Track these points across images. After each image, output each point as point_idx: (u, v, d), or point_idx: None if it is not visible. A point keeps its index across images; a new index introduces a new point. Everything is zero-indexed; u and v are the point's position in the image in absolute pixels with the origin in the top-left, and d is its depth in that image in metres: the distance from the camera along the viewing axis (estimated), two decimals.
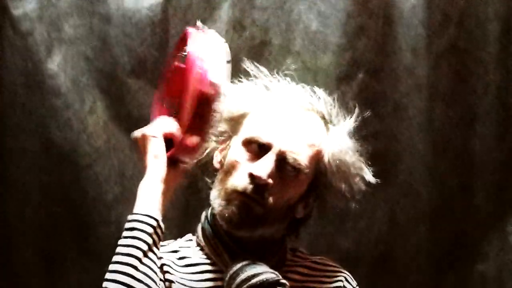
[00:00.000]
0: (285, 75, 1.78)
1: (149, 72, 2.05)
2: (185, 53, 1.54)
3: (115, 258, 1.46)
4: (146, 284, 1.44)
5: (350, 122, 1.76)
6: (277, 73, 1.78)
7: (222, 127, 1.70)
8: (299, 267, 1.74)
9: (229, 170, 1.64)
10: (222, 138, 1.73)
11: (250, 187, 1.59)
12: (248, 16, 2.10)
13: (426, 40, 2.18)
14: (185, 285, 1.62)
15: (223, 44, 1.55)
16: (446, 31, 2.20)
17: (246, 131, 1.67)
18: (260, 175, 1.58)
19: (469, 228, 2.24)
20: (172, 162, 1.54)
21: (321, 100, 1.74)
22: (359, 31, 2.14)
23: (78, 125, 2.02)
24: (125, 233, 1.47)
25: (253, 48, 2.10)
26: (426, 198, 2.20)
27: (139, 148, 1.56)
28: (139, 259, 1.44)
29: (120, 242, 1.47)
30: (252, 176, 1.59)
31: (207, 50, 1.51)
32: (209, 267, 1.67)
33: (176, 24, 2.06)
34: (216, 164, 1.73)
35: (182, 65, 1.54)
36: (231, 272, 1.60)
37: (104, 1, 2.05)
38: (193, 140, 1.50)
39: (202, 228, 1.71)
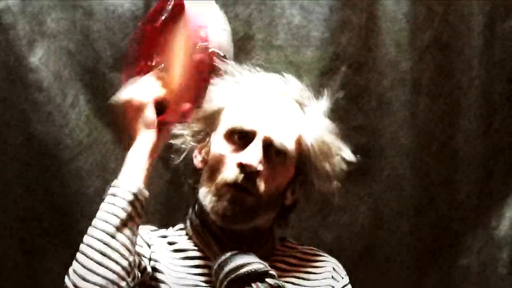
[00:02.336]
0: (255, 64, 1.75)
1: None
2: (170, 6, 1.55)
3: (94, 222, 1.44)
4: (120, 253, 1.43)
5: (323, 102, 1.74)
6: (246, 63, 1.75)
7: (198, 126, 1.68)
8: (287, 257, 1.74)
9: (216, 165, 1.62)
10: (200, 137, 1.71)
11: (241, 176, 1.57)
12: (231, 10, 2.10)
13: (410, 35, 2.19)
14: (172, 270, 1.62)
15: (220, 11, 1.53)
16: (430, 26, 2.20)
17: (226, 124, 1.65)
18: (251, 163, 1.56)
19: (452, 222, 2.25)
20: (160, 125, 1.52)
21: (292, 84, 1.72)
22: (342, 26, 2.14)
23: (60, 119, 2.02)
24: (106, 199, 1.46)
25: (236, 43, 2.08)
26: (409, 192, 2.21)
27: (123, 112, 1.52)
28: (117, 227, 1.43)
29: (101, 207, 1.45)
30: (241, 166, 1.57)
31: (207, 16, 1.48)
32: (197, 254, 1.66)
33: None
34: (198, 164, 1.71)
35: (174, 24, 1.54)
36: (219, 261, 1.59)
37: None
38: (186, 105, 1.47)
39: (190, 219, 1.70)
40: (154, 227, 1.71)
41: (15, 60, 2.00)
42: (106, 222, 1.44)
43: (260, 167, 1.58)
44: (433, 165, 2.22)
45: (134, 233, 1.46)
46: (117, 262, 1.42)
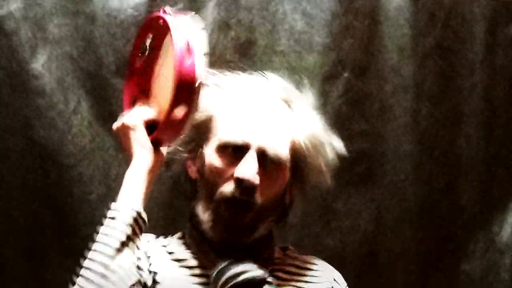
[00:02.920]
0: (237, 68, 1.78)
1: None
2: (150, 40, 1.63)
3: (94, 246, 1.48)
4: (120, 276, 1.44)
5: (309, 96, 1.74)
6: (229, 68, 1.76)
7: (188, 136, 1.67)
8: (287, 265, 1.73)
9: (212, 179, 1.62)
10: (190, 147, 1.71)
11: (238, 191, 1.57)
12: (233, 16, 2.10)
13: (412, 40, 2.19)
14: (172, 280, 1.62)
15: (200, 30, 1.55)
16: (432, 31, 2.20)
17: (218, 137, 1.64)
18: (248, 178, 1.56)
19: (455, 228, 2.25)
20: (155, 145, 1.57)
21: (276, 83, 1.72)
22: (344, 31, 2.14)
23: (63, 125, 2.01)
24: (105, 222, 1.50)
25: (238, 48, 2.10)
26: (412, 198, 2.21)
27: (120, 139, 1.59)
28: (117, 249, 1.45)
29: (100, 231, 1.49)
30: (238, 180, 1.57)
31: (191, 37, 1.51)
32: (196, 262, 1.66)
33: None
34: (193, 174, 1.71)
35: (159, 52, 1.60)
36: (217, 269, 1.58)
37: (89, 1, 2.04)
38: (176, 117, 1.50)
39: (188, 229, 1.70)
40: (154, 236, 1.71)
41: (17, 66, 1.99)
42: (106, 245, 1.47)
43: (257, 181, 1.57)
44: (435, 171, 2.22)
45: (134, 254, 1.49)
46: (117, 286, 1.44)
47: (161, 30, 1.61)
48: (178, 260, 1.66)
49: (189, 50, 1.49)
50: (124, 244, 1.47)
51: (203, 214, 1.63)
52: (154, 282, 1.60)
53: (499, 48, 2.24)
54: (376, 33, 2.17)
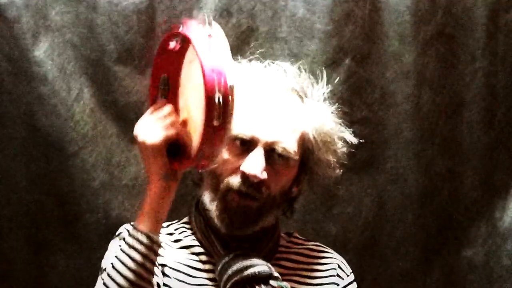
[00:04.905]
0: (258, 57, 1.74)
1: (136, 59, 2.05)
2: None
3: (111, 272, 1.46)
4: None
5: (321, 87, 1.73)
6: (249, 56, 1.74)
7: None
8: (292, 254, 1.73)
9: (218, 169, 1.60)
10: None
11: (245, 186, 1.57)
12: (234, 3, 2.10)
13: (413, 27, 2.19)
14: (177, 269, 1.63)
15: (227, 43, 1.42)
16: (433, 18, 2.20)
17: None
18: (254, 173, 1.55)
19: (456, 214, 2.25)
20: (174, 170, 1.48)
21: (288, 73, 1.69)
22: (346, 18, 2.14)
23: (65, 112, 2.02)
24: (123, 247, 1.47)
25: (239, 35, 2.10)
26: (413, 184, 2.21)
27: (138, 148, 1.50)
28: (132, 282, 1.44)
29: (118, 255, 1.47)
30: (245, 175, 1.56)
31: (220, 55, 1.39)
32: (202, 250, 1.66)
33: (163, 11, 2.06)
34: None
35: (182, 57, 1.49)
36: (222, 262, 1.59)
37: None
38: (207, 152, 1.41)
39: (194, 217, 1.70)
40: None
41: (19, 54, 2.00)
42: (122, 275, 1.44)
43: (264, 176, 1.57)
44: (437, 157, 2.23)
45: (150, 282, 1.47)
46: None
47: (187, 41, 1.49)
48: (186, 247, 1.67)
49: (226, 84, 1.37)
50: (139, 275, 1.45)
51: (210, 203, 1.62)
52: (163, 274, 1.61)
53: (500, 34, 2.23)
54: (377, 20, 2.17)
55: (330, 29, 2.13)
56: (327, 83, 1.84)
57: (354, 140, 1.73)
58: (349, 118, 1.81)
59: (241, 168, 1.56)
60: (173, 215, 1.81)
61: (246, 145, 1.58)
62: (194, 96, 1.43)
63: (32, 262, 2.03)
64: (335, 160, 1.68)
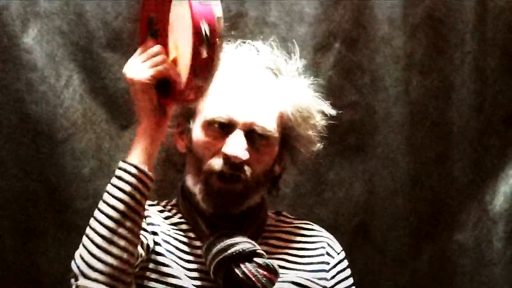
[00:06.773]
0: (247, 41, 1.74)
1: (125, 45, 2.03)
2: None
3: (100, 205, 1.43)
4: (125, 239, 1.41)
5: (295, 61, 1.74)
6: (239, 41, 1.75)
7: (176, 110, 1.64)
8: (280, 233, 1.75)
9: (199, 153, 1.63)
10: (178, 122, 1.71)
11: (227, 167, 1.58)
12: None
13: (403, 11, 2.19)
14: (167, 241, 1.63)
15: None
16: (422, 1, 2.20)
17: (204, 113, 1.64)
18: (236, 154, 1.57)
19: (447, 198, 2.26)
20: (164, 106, 1.48)
21: (260, 51, 1.71)
22: (335, 2, 2.14)
23: (54, 99, 2.01)
24: (112, 181, 1.44)
25: (229, 20, 2.08)
26: (403, 168, 2.21)
27: (128, 85, 1.48)
28: (122, 212, 1.41)
29: (107, 189, 1.44)
30: (226, 156, 1.58)
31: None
32: (189, 227, 1.68)
33: None
34: (181, 149, 1.72)
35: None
36: (207, 242, 1.60)
37: None
38: (195, 85, 1.41)
39: (180, 200, 1.72)
40: (151, 201, 1.72)
41: (8, 41, 1.99)
42: (111, 207, 1.41)
43: (245, 156, 1.58)
44: (427, 141, 2.23)
45: (141, 216, 1.44)
46: (124, 249, 1.40)
47: None
48: (174, 224, 1.68)
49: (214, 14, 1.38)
50: (129, 206, 1.42)
51: (194, 186, 1.64)
52: (155, 243, 1.60)
53: (489, 18, 2.24)
54: (367, 4, 2.17)
55: (320, 14, 2.13)
56: (317, 68, 1.85)
57: (332, 112, 1.74)
58: (339, 103, 1.82)
59: (223, 150, 1.58)
60: (167, 197, 1.83)
61: (225, 128, 1.60)
62: (183, 35, 1.43)
63: (22, 249, 2.01)
64: (315, 134, 1.70)
